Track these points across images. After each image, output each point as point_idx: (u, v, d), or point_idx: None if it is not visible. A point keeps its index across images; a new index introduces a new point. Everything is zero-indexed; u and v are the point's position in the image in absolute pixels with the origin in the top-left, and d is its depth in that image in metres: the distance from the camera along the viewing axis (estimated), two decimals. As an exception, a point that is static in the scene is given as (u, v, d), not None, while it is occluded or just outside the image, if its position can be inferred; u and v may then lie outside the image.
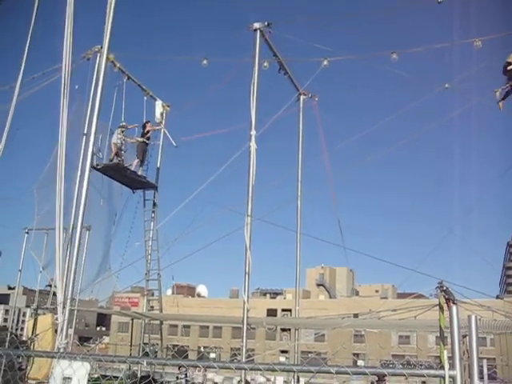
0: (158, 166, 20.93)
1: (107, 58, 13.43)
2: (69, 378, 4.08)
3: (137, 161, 18.60)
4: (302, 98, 18.36)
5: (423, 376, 2.96)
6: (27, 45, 14.39)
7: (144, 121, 19.74)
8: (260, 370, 3.44)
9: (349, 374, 3.09)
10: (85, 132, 13.59)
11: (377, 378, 19.31)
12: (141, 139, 18.74)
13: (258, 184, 12.67)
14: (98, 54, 14.78)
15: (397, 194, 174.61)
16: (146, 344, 20.23)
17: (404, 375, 2.96)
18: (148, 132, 19.22)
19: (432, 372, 2.86)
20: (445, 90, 15.72)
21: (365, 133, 17.79)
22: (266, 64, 15.02)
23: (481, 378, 2.72)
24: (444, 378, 2.75)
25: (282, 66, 15.96)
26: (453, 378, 2.73)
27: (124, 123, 18.27)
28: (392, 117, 17.62)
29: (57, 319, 11.43)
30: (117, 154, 17.73)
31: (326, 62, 15.83)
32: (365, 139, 18.09)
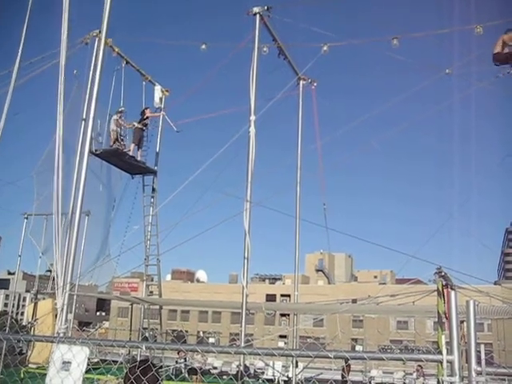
0: (158, 151, 20.90)
1: (105, 43, 13.33)
2: (68, 363, 4.10)
3: (133, 145, 18.58)
4: (301, 82, 18.26)
5: (421, 361, 2.97)
6: (24, 29, 14.28)
7: (143, 106, 19.70)
8: (259, 354, 3.45)
9: (347, 358, 3.10)
10: (83, 117, 13.53)
11: (345, 364, 20.11)
12: (138, 125, 18.72)
13: (257, 168, 12.64)
14: (96, 39, 14.68)
15: (396, 178, 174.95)
16: (146, 329, 20.33)
17: (402, 360, 2.97)
18: (147, 118, 19.18)
19: (430, 357, 2.87)
20: (445, 75, 15.65)
21: (365, 117, 17.71)
22: (265, 49, 14.89)
23: (478, 362, 2.74)
24: (442, 362, 2.76)
25: (282, 50, 15.83)
26: (450, 362, 2.74)
27: (122, 108, 18.22)
28: (392, 102, 17.55)
29: (56, 304, 11.47)
30: (116, 140, 17.72)
31: (325, 48, 15.71)
32: (365, 124, 18.04)
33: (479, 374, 2.70)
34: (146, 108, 19.46)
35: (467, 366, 2.74)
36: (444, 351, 2.75)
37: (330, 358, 3.07)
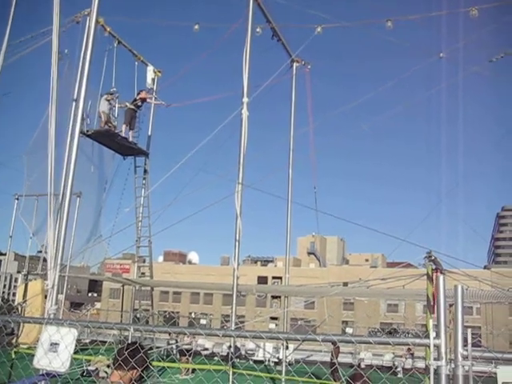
0: (150, 132, 20.80)
1: (97, 22, 13.12)
2: (56, 344, 4.08)
3: (124, 126, 18.43)
4: (294, 65, 18.12)
5: (408, 344, 2.97)
6: (13, 7, 14.02)
7: (135, 87, 19.54)
8: (247, 337, 3.44)
9: (335, 341, 3.10)
10: (74, 97, 13.37)
11: (333, 346, 20.30)
12: (130, 105, 18.54)
13: (249, 151, 12.57)
14: (88, 18, 14.45)
15: (388, 161, 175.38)
16: (137, 310, 20.39)
17: (390, 344, 2.97)
18: (140, 100, 18.91)
19: (417, 341, 2.87)
20: (438, 59, 15.60)
21: (359, 101, 17.68)
22: (258, 30, 14.75)
23: (465, 346, 2.74)
24: (429, 346, 2.76)
25: (275, 32, 15.69)
26: (437, 346, 2.74)
27: (113, 89, 18.04)
28: (386, 85, 17.50)
29: (47, 285, 11.44)
30: (108, 122, 17.57)
31: (319, 29, 15.57)
32: (358, 107, 18.03)
33: (465, 357, 2.70)
34: (142, 90, 19.28)
35: (453, 350, 2.74)
36: (431, 335, 2.75)
37: (318, 341, 3.07)
